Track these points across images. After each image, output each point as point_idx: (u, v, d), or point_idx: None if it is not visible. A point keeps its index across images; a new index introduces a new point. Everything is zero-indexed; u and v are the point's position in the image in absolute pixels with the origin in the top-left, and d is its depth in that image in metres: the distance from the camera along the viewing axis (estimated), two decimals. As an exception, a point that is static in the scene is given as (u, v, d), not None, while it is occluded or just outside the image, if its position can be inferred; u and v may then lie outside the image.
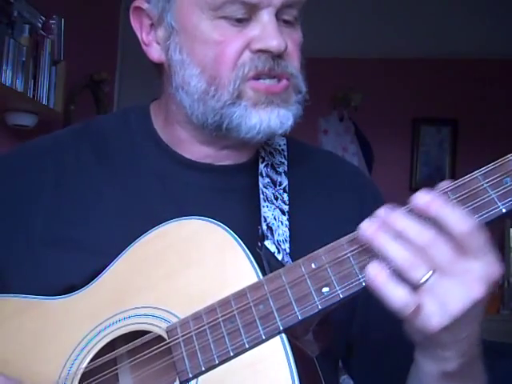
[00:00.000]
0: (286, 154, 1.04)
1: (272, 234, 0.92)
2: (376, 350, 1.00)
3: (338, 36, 4.37)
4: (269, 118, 0.91)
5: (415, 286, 0.71)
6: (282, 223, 0.95)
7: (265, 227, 0.93)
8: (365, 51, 4.54)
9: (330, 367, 1.00)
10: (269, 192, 0.97)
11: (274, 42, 0.89)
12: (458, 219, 0.70)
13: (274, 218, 0.95)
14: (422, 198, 0.71)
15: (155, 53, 0.97)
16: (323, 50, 4.41)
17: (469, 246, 0.70)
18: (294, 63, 0.93)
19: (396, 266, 0.71)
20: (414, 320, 0.72)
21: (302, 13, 0.95)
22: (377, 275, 0.72)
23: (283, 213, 0.96)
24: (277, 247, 0.90)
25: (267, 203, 0.96)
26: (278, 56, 0.90)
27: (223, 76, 0.90)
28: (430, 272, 0.70)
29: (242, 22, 0.90)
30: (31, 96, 2.96)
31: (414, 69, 4.66)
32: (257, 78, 0.91)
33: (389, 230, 0.72)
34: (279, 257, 0.89)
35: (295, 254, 0.89)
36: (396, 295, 0.71)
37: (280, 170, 1.01)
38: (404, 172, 4.73)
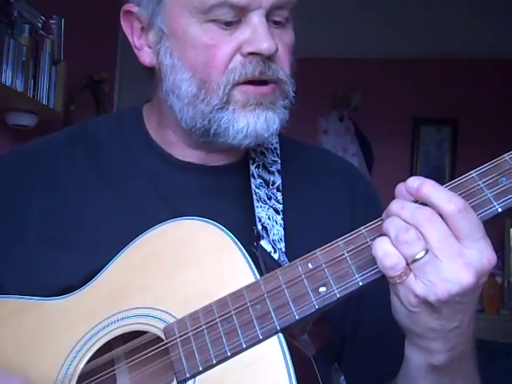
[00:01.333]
0: (278, 152, 1.04)
1: (267, 234, 0.93)
2: (366, 348, 1.01)
3: (338, 36, 4.37)
4: (255, 122, 0.91)
5: (408, 262, 0.72)
6: (276, 222, 0.95)
7: (260, 227, 0.93)
8: (365, 51, 4.54)
9: (328, 366, 1.01)
10: (262, 192, 0.97)
11: (264, 44, 0.88)
12: (446, 198, 0.71)
13: (269, 218, 0.95)
14: (414, 182, 0.73)
15: (147, 57, 0.97)
16: (323, 50, 4.41)
17: (459, 227, 0.71)
18: (284, 67, 0.93)
19: (393, 239, 0.72)
20: (398, 287, 0.73)
21: (293, 12, 0.94)
22: (377, 239, 0.73)
23: (277, 212, 0.96)
24: (273, 247, 0.90)
25: (261, 203, 0.96)
26: (268, 58, 0.90)
27: (213, 80, 0.90)
28: (423, 252, 0.71)
29: (231, 24, 0.89)
30: (31, 96, 2.96)
31: (414, 69, 4.65)
32: (246, 83, 0.91)
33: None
34: (275, 256, 0.89)
35: (291, 253, 0.89)
36: (387, 253, 0.72)
37: (273, 168, 1.01)
38: (404, 172, 4.72)
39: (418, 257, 0.71)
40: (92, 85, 3.72)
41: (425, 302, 0.72)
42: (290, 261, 0.81)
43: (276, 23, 0.92)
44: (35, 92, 2.99)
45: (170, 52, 0.93)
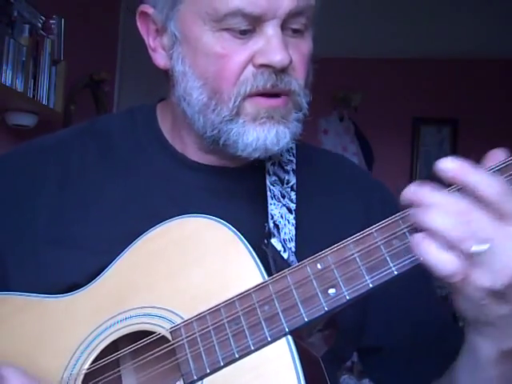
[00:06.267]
0: (294, 152, 1.02)
1: (278, 232, 0.92)
2: (405, 349, 0.99)
3: (338, 36, 4.36)
4: (265, 136, 0.89)
5: (464, 256, 0.68)
6: (288, 222, 0.94)
7: (271, 225, 0.92)
8: (365, 51, 4.54)
9: (335, 369, 1.00)
10: (276, 190, 0.96)
11: (277, 57, 0.86)
12: (489, 181, 0.68)
13: (281, 216, 0.94)
14: (448, 164, 0.69)
15: (161, 59, 0.95)
16: (323, 50, 4.39)
17: (505, 208, 0.67)
18: (298, 78, 0.90)
19: (446, 239, 0.68)
20: (463, 287, 0.70)
21: (312, 18, 0.92)
22: (421, 242, 0.69)
23: (290, 211, 0.95)
24: (283, 245, 0.90)
25: (274, 201, 0.95)
26: (281, 71, 0.87)
27: (224, 91, 0.88)
28: (487, 245, 0.67)
29: (246, 33, 0.87)
30: (31, 96, 2.95)
31: (414, 69, 4.66)
32: (257, 95, 0.88)
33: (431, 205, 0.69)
34: (285, 255, 0.89)
35: (301, 254, 0.88)
36: (443, 261, 0.68)
37: (288, 168, 1.00)
38: (404, 172, 4.73)
39: (477, 248, 0.67)
40: (92, 85, 3.71)
41: (492, 292, 0.69)
42: (299, 261, 0.80)
43: (294, 31, 0.90)
44: (35, 92, 2.98)
45: (181, 58, 0.91)
